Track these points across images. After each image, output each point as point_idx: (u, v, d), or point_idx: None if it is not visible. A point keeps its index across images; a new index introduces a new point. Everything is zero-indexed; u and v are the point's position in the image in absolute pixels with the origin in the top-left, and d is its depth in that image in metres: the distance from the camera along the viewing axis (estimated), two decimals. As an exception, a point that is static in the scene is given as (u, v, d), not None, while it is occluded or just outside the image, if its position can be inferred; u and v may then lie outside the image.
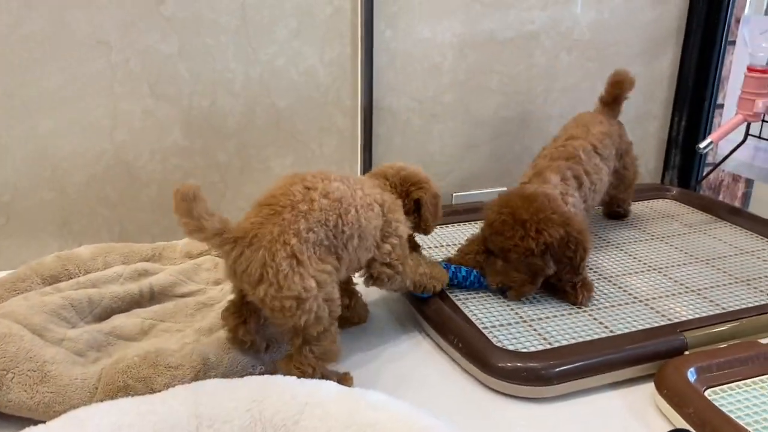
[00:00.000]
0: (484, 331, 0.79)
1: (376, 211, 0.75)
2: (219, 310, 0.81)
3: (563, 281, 0.86)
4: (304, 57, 1.11)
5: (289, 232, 0.65)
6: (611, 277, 0.95)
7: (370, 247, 0.75)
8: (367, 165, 1.19)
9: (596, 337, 0.78)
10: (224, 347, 0.72)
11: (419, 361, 0.80)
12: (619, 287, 0.91)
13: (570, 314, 0.84)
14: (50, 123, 1.00)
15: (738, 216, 1.16)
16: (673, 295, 0.89)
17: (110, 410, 0.58)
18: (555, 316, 0.84)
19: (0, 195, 1.01)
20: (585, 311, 0.85)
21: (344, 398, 0.60)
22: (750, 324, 0.81)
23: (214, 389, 0.61)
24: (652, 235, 1.09)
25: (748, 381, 0.72)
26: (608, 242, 1.07)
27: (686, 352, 0.76)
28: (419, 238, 0.92)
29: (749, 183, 1.59)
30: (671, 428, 0.67)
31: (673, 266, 0.98)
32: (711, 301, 0.87)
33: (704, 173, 1.40)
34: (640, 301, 0.87)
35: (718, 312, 0.84)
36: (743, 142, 1.20)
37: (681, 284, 0.92)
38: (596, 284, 0.91)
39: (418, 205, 0.83)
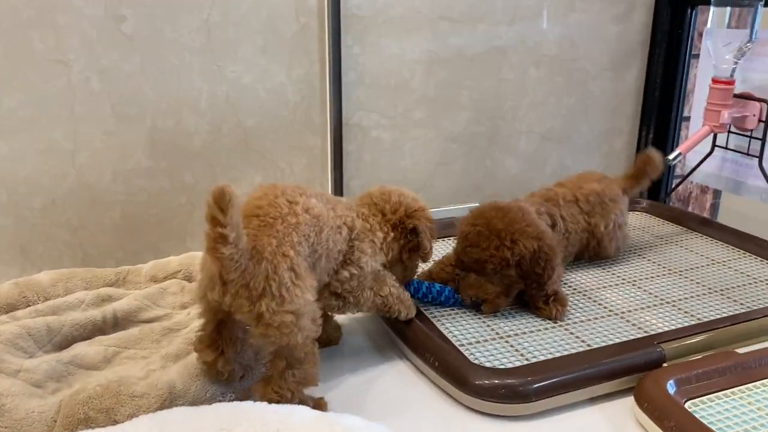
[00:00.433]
0: (460, 348, 0.78)
1: (343, 235, 0.73)
2: (186, 335, 0.79)
3: (533, 296, 0.85)
4: (271, 75, 1.09)
5: (286, 245, 0.63)
6: (586, 291, 0.94)
7: (330, 271, 0.73)
8: (337, 183, 1.17)
9: (573, 351, 0.77)
10: (192, 374, 0.69)
11: (395, 382, 0.78)
12: (594, 301, 0.91)
13: (546, 329, 0.83)
14: (5, 146, 0.97)
15: (708, 227, 1.17)
16: (649, 307, 0.89)
17: (69, 444, 0.55)
18: (531, 332, 0.82)
19: (-46, 221, 0.97)
20: (561, 326, 0.84)
21: (318, 423, 0.58)
22: (726, 333, 0.81)
23: (181, 418, 0.58)
24: (625, 248, 1.09)
25: (727, 392, 0.72)
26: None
27: (665, 364, 0.75)
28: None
29: (717, 194, 1.61)
30: (653, 443, 0.66)
31: (647, 278, 0.98)
32: (686, 312, 0.87)
33: (673, 185, 1.42)
34: (616, 314, 0.87)
35: (694, 323, 0.84)
36: (710, 153, 1.21)
37: (656, 296, 0.92)
38: (571, 298, 0.90)
39: (416, 233, 0.80)
